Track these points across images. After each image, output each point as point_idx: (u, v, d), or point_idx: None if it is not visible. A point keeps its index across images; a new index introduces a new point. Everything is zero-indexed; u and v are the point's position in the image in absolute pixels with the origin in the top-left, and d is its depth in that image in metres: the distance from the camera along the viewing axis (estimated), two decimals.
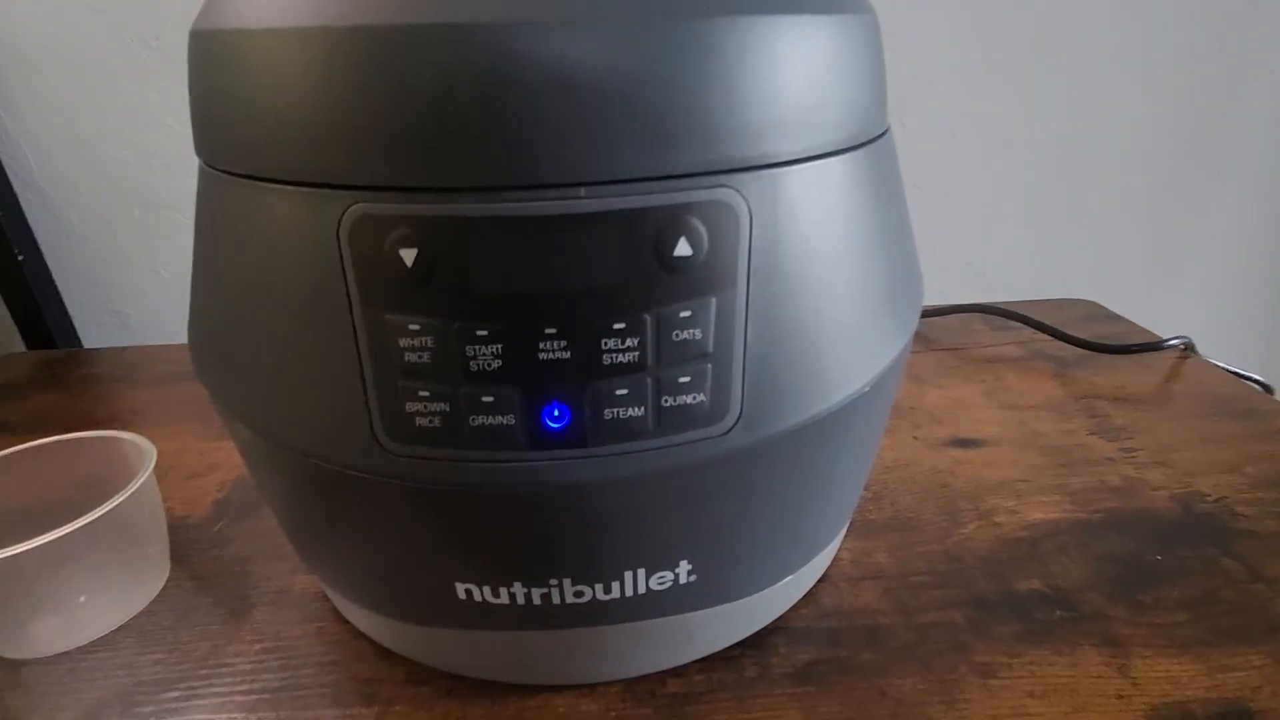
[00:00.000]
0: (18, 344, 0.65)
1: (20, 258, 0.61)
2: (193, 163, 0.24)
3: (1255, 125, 0.68)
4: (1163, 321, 0.74)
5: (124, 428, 0.48)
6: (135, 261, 0.66)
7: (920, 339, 0.56)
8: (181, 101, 0.68)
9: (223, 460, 0.43)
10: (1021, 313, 0.56)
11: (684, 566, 0.24)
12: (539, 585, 0.24)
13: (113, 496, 0.32)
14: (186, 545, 0.36)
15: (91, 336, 0.68)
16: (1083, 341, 0.52)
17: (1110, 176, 0.69)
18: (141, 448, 0.33)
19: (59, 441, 0.34)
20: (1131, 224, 0.71)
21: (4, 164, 0.60)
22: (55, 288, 0.65)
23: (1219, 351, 0.57)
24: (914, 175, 0.68)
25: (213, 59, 0.21)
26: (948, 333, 0.57)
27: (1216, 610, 0.31)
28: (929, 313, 0.58)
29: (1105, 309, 0.62)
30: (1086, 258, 0.72)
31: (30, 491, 0.34)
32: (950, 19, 0.61)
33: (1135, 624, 0.30)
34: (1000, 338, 0.56)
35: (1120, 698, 0.27)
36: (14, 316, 0.64)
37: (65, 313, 0.66)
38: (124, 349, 0.61)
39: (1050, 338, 0.54)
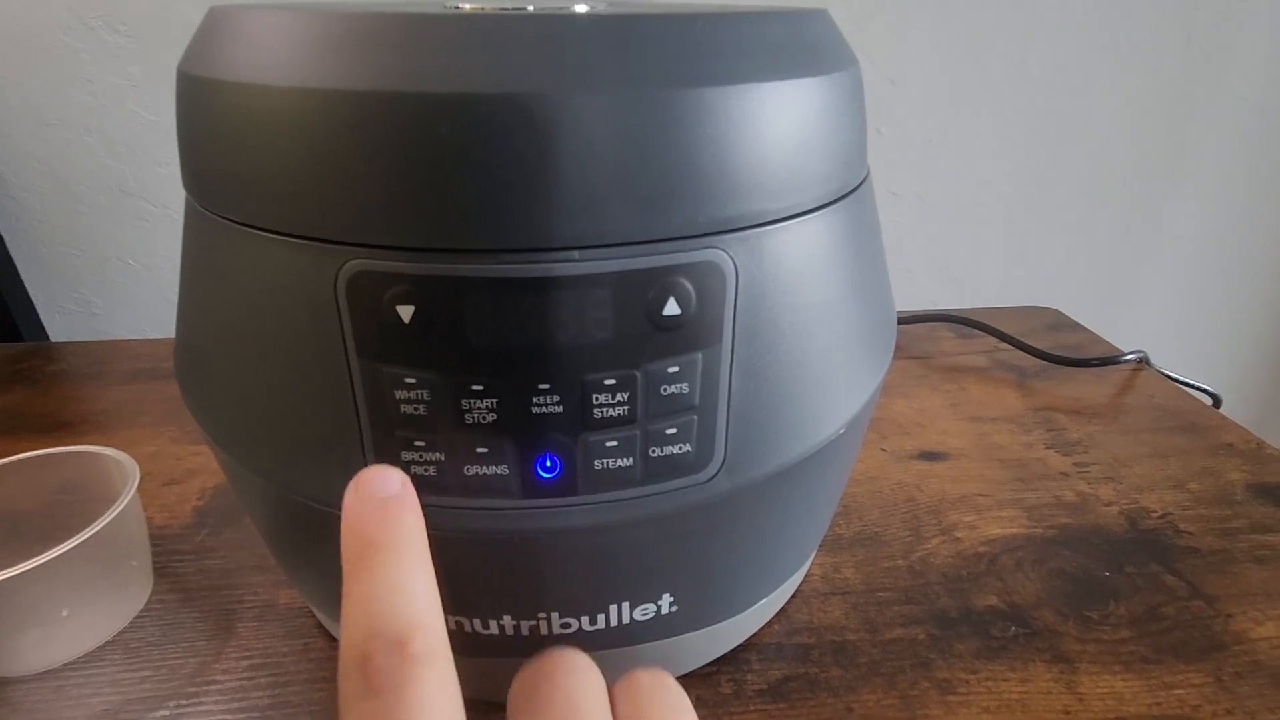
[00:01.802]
0: None
1: None
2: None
3: (1215, 141, 0.70)
4: (1123, 327, 0.77)
5: (96, 430, 0.48)
6: (101, 249, 0.65)
7: None
8: (148, 87, 0.66)
9: (201, 466, 0.43)
10: (986, 322, 0.58)
11: (666, 599, 0.26)
12: (527, 618, 0.25)
13: (90, 504, 0.32)
14: (168, 556, 0.36)
15: (57, 326, 0.67)
16: (1043, 353, 0.54)
17: (1078, 186, 0.71)
18: (123, 464, 0.33)
19: (39, 456, 0.34)
20: (1097, 232, 0.74)
21: None
22: (18, 276, 0.64)
23: (1173, 355, 0.59)
24: (890, 183, 0.69)
25: (210, 107, 0.21)
26: (915, 340, 0.59)
27: (1159, 628, 0.33)
28: (898, 319, 0.60)
29: (1068, 318, 0.64)
30: (1053, 264, 0.74)
31: (4, 499, 0.34)
32: (925, 32, 0.62)
33: (1083, 640, 0.32)
34: (965, 346, 0.58)
35: (1067, 714, 0.29)
36: None
37: (29, 301, 0.65)
38: (93, 343, 0.59)
39: (1013, 347, 0.56)
